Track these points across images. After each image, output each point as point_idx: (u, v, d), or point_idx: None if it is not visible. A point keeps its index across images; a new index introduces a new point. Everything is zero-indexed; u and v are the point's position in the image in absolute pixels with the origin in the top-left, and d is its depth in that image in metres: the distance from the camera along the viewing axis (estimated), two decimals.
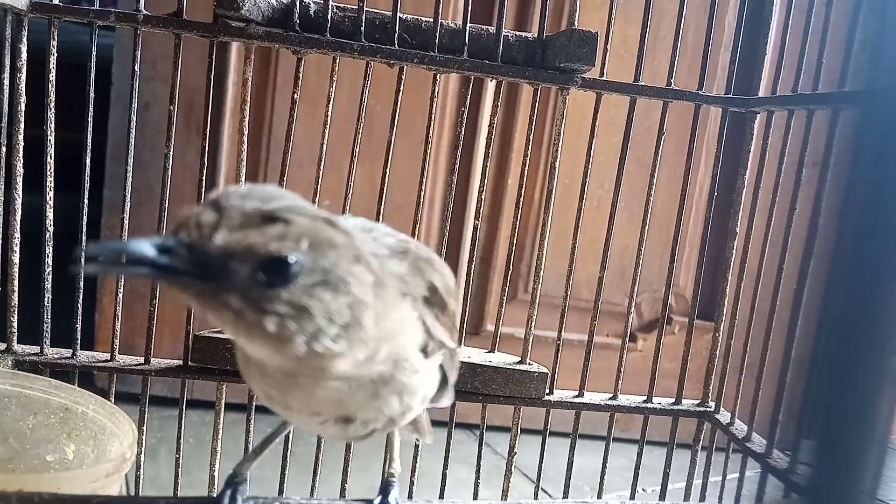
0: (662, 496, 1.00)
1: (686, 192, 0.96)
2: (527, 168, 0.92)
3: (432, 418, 0.93)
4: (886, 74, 0.28)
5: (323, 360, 0.47)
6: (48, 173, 0.83)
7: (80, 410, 0.75)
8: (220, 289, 0.44)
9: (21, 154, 0.82)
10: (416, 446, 0.92)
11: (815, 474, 0.30)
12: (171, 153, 0.86)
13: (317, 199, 0.89)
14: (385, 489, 0.62)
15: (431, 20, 0.87)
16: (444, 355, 0.58)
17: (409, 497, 0.92)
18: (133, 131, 0.84)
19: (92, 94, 0.83)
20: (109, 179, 1.46)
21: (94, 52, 0.83)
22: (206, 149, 0.86)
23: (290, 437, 0.90)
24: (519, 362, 0.94)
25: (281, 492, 0.90)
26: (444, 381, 0.61)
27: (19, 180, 0.83)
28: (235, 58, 1.46)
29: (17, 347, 0.85)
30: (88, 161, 0.84)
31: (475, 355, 0.94)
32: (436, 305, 0.55)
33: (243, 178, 0.88)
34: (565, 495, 0.98)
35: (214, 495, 0.61)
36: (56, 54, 0.82)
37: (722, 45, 1.50)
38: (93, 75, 0.83)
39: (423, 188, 0.91)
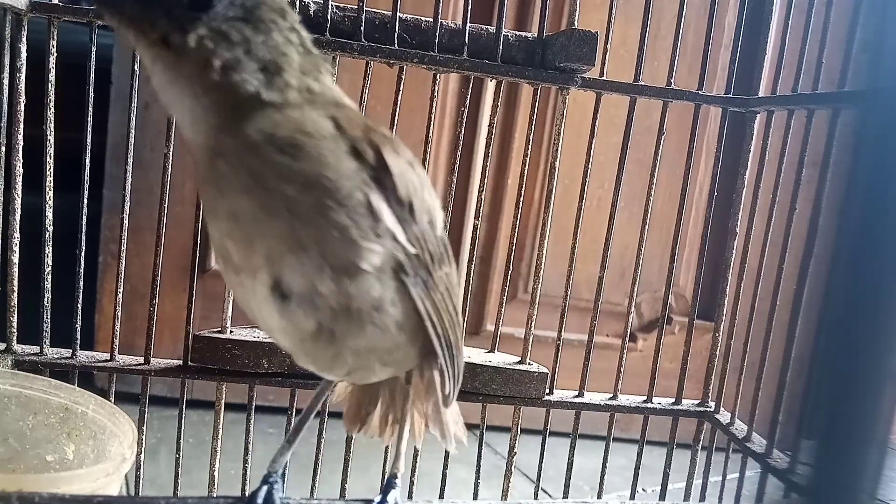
0: (662, 496, 1.00)
1: (686, 192, 0.96)
2: (527, 168, 0.92)
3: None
4: (886, 74, 0.28)
5: (241, 100, 0.48)
6: (48, 173, 0.83)
7: (80, 410, 0.75)
8: (148, 9, 0.47)
9: (21, 154, 0.82)
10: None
11: (815, 474, 0.30)
12: (171, 153, 0.86)
13: None
14: (386, 489, 0.61)
15: (431, 20, 0.87)
16: (411, 275, 0.52)
17: (409, 497, 0.92)
18: (133, 131, 0.84)
19: (92, 94, 0.83)
20: (109, 179, 1.46)
21: (93, 52, 0.83)
22: None
23: None
24: (519, 362, 0.94)
25: (283, 492, 0.90)
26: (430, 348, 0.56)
27: (19, 180, 0.83)
28: None
29: (16, 347, 0.85)
30: (88, 161, 0.84)
31: (475, 355, 0.94)
32: (387, 188, 0.50)
33: None
34: (565, 495, 0.98)
35: (246, 494, 0.60)
36: (56, 54, 0.82)
37: (722, 45, 1.50)
38: (92, 75, 0.83)
39: None
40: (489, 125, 0.91)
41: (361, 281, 0.50)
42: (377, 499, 0.60)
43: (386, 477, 0.63)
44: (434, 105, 0.89)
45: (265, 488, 0.58)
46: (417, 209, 0.53)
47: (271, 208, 0.48)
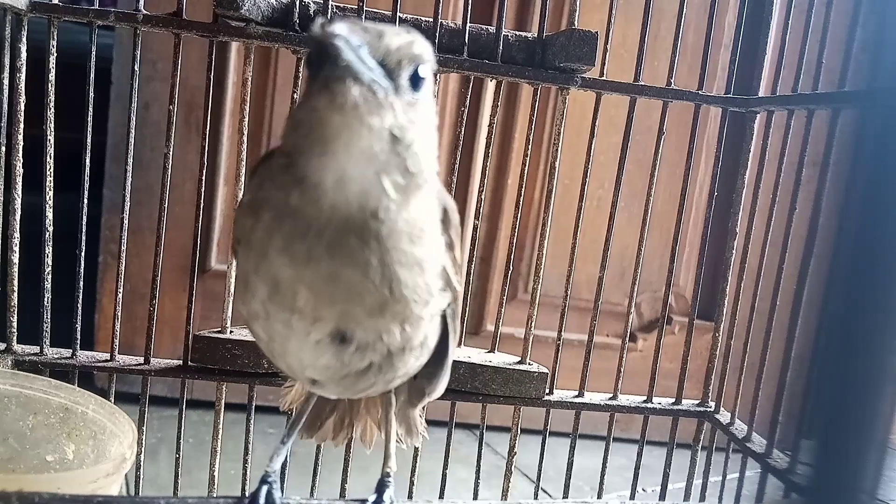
0: (662, 496, 1.00)
1: (686, 192, 0.96)
2: (527, 168, 0.92)
3: (430, 417, 0.93)
4: (886, 74, 0.28)
5: (406, 180, 0.48)
6: (48, 173, 0.83)
7: (80, 410, 0.75)
8: (382, 87, 0.46)
9: (21, 154, 0.82)
10: (416, 446, 0.92)
11: (815, 474, 0.30)
12: (171, 153, 0.86)
13: None
14: (380, 488, 0.61)
15: (431, 20, 0.87)
16: (448, 308, 0.57)
17: (409, 497, 0.92)
18: (133, 131, 0.84)
19: (92, 94, 0.83)
20: (109, 179, 1.46)
21: (93, 52, 0.83)
22: (206, 149, 0.86)
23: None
24: (519, 362, 0.94)
25: (281, 492, 0.90)
26: (440, 358, 0.60)
27: (19, 180, 0.83)
28: (235, 57, 1.46)
29: (16, 347, 0.85)
30: (88, 161, 0.84)
31: (475, 355, 0.94)
32: (446, 231, 0.54)
33: (243, 178, 0.88)
34: (565, 495, 0.98)
35: (246, 494, 0.60)
36: (56, 54, 0.82)
37: (722, 45, 1.50)
38: (92, 75, 0.83)
39: None
40: (489, 125, 0.91)
41: (420, 326, 0.53)
42: (372, 498, 0.60)
43: (379, 476, 0.63)
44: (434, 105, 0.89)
45: (265, 488, 0.58)
46: (457, 247, 0.56)
47: (375, 285, 0.49)
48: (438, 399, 0.91)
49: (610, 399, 0.98)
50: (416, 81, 0.48)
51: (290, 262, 0.49)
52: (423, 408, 0.70)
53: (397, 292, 0.50)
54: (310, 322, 0.50)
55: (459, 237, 0.57)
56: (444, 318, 0.57)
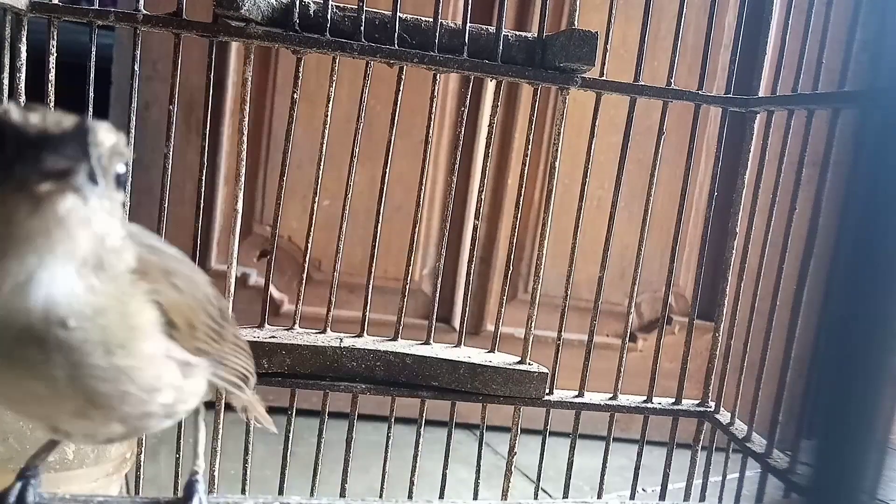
0: (662, 496, 1.00)
1: (686, 192, 0.96)
2: (527, 168, 0.92)
3: (430, 417, 0.93)
4: (886, 74, 0.28)
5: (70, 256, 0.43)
6: None
7: None
8: (95, 194, 0.42)
9: None
10: (417, 445, 0.92)
11: (815, 474, 0.30)
12: (171, 153, 0.86)
13: (317, 198, 0.90)
14: (188, 489, 0.58)
15: (431, 20, 0.87)
16: (208, 370, 0.53)
17: (410, 497, 0.92)
18: (133, 131, 0.84)
19: (92, 94, 0.83)
20: None
21: (93, 52, 0.83)
22: (206, 149, 0.86)
23: (291, 437, 0.90)
24: (519, 362, 0.94)
25: (281, 492, 0.90)
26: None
27: None
28: (235, 58, 1.46)
29: None
30: None
31: (475, 355, 0.94)
32: (169, 321, 0.49)
33: (243, 179, 0.88)
34: (565, 495, 0.98)
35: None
36: (56, 54, 0.82)
37: (722, 45, 1.50)
38: (92, 75, 0.83)
39: (423, 188, 0.91)
40: (489, 125, 0.91)
41: (150, 417, 0.50)
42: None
43: (187, 479, 0.60)
44: (434, 105, 0.89)
45: (19, 484, 0.54)
46: (196, 319, 0.52)
47: (69, 397, 0.45)
48: (439, 399, 0.91)
49: (610, 399, 0.98)
50: (119, 178, 0.45)
51: None
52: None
53: (99, 402, 0.46)
54: (25, 416, 0.50)
55: (201, 309, 0.52)
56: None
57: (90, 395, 0.45)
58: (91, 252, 0.43)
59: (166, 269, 0.50)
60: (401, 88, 0.88)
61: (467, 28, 0.87)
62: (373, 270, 0.91)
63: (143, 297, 0.47)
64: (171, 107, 0.85)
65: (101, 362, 0.45)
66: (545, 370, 0.94)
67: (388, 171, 0.90)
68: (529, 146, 0.91)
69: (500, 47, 0.88)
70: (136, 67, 0.84)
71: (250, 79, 0.87)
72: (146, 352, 0.47)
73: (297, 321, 0.92)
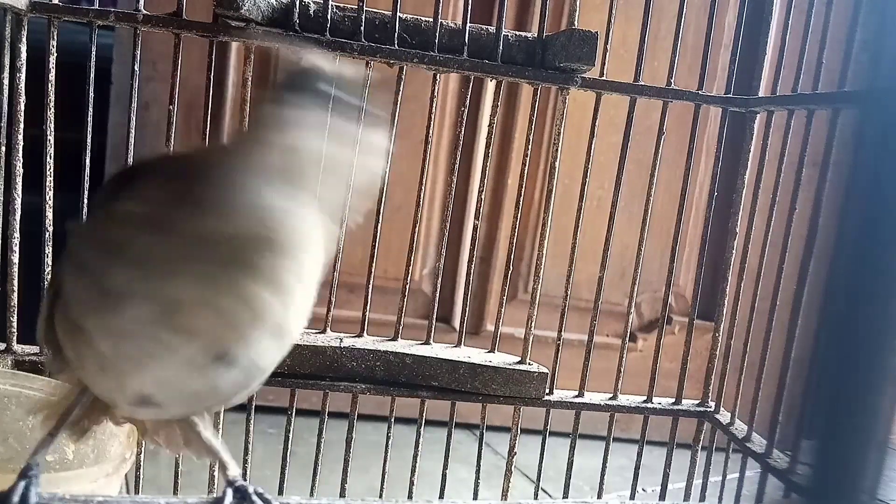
0: (662, 496, 1.00)
1: (686, 192, 0.96)
2: (527, 168, 0.92)
3: (430, 417, 0.93)
4: (886, 74, 0.28)
5: None
6: (48, 173, 0.83)
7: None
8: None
9: (21, 154, 0.82)
10: (417, 445, 0.92)
11: (815, 474, 0.30)
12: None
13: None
14: (241, 494, 0.56)
15: (431, 20, 0.87)
16: None
17: (409, 497, 0.92)
18: (133, 131, 0.84)
19: (92, 94, 0.83)
20: None
21: (93, 52, 0.83)
22: None
23: (290, 437, 0.90)
24: (519, 362, 0.94)
25: (281, 492, 0.90)
26: None
27: (19, 180, 0.83)
28: (235, 57, 1.46)
29: (16, 347, 0.85)
30: (88, 161, 0.84)
31: (475, 355, 0.94)
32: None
33: None
34: (565, 495, 0.98)
35: (215, 495, 0.57)
36: (56, 54, 0.82)
37: (722, 45, 1.50)
38: (92, 75, 0.83)
39: (423, 188, 0.91)
40: (489, 125, 0.91)
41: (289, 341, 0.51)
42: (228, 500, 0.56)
43: (228, 487, 0.57)
44: (434, 105, 0.89)
45: (22, 484, 0.53)
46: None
47: (285, 308, 0.48)
48: (439, 399, 0.91)
49: (610, 399, 0.98)
50: None
51: (194, 281, 0.47)
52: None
53: (300, 315, 0.50)
54: (191, 342, 0.48)
55: None
56: None
57: (301, 305, 0.49)
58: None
59: None
60: (401, 88, 0.88)
61: (467, 28, 0.87)
62: (373, 270, 0.91)
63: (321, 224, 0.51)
64: (171, 107, 0.85)
65: (313, 273, 0.49)
66: (545, 370, 0.94)
67: (387, 171, 0.90)
68: (529, 146, 0.91)
69: (500, 47, 0.88)
70: (136, 67, 0.84)
71: (250, 79, 0.87)
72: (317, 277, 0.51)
73: None
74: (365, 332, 0.92)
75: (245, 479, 0.57)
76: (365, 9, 0.85)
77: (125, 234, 0.48)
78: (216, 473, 0.90)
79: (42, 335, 0.56)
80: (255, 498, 0.55)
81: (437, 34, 0.87)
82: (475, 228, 0.94)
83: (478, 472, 0.96)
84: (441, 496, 0.95)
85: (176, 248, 0.47)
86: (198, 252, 0.46)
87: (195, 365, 0.49)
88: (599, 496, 0.99)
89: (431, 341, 0.94)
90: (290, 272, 0.48)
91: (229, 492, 0.56)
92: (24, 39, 0.81)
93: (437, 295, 0.94)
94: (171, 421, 0.61)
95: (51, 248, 0.84)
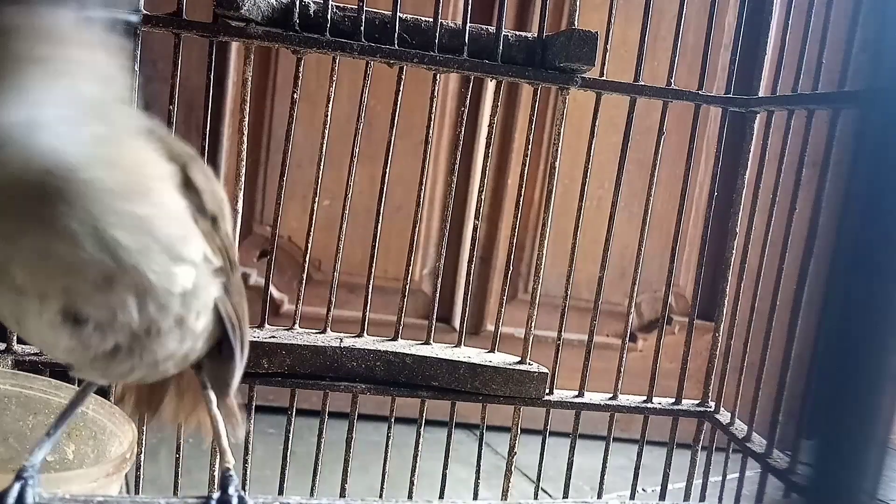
0: (662, 496, 1.00)
1: (686, 192, 0.96)
2: (527, 168, 0.92)
3: (430, 417, 0.93)
4: (886, 74, 0.28)
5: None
6: None
7: (80, 410, 0.75)
8: None
9: None
10: (417, 445, 0.92)
11: (815, 474, 0.30)
12: None
13: (316, 198, 0.90)
14: (223, 484, 0.56)
15: (431, 20, 0.87)
16: (219, 287, 0.52)
17: (409, 497, 0.92)
18: None
19: None
20: None
21: None
22: (206, 149, 0.86)
23: (290, 437, 0.90)
24: (519, 362, 0.94)
25: (281, 492, 0.90)
26: (225, 340, 0.56)
27: None
28: (235, 58, 1.46)
29: (17, 347, 0.85)
30: None
31: (475, 355, 0.94)
32: (190, 194, 0.49)
33: (243, 179, 0.88)
34: (565, 495, 0.98)
35: (246, 494, 0.56)
36: None
37: (722, 45, 1.50)
38: None
39: (423, 188, 0.91)
40: (489, 125, 0.91)
41: (169, 304, 0.48)
42: (216, 495, 0.56)
43: (218, 474, 0.58)
44: (434, 105, 0.89)
45: (18, 486, 0.52)
46: (220, 217, 0.52)
47: (94, 256, 0.44)
48: (438, 399, 0.91)
49: (610, 399, 0.98)
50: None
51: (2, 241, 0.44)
52: (238, 398, 0.65)
53: (122, 258, 0.44)
54: (36, 300, 0.46)
55: (221, 207, 0.52)
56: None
57: (112, 247, 0.44)
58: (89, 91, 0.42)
59: (189, 152, 0.50)
60: (401, 88, 0.88)
61: (467, 28, 0.87)
62: (373, 270, 0.91)
63: (160, 154, 0.46)
64: (171, 107, 0.85)
65: (121, 208, 0.43)
66: (545, 370, 0.94)
67: (388, 171, 0.90)
68: (529, 146, 0.91)
69: (500, 47, 0.88)
70: (136, 67, 0.84)
71: (250, 79, 0.87)
72: (166, 203, 0.46)
73: (297, 321, 0.92)
74: (365, 332, 0.92)
75: (231, 473, 0.57)
76: (365, 9, 0.85)
77: None
78: (216, 474, 0.90)
79: None
80: (232, 493, 0.55)
81: (437, 34, 0.87)
82: (475, 228, 0.94)
83: (478, 472, 0.96)
84: (441, 496, 0.95)
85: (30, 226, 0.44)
86: None
87: (56, 326, 0.47)
88: (599, 496, 0.99)
89: (431, 341, 0.94)
90: (87, 216, 0.43)
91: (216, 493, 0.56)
92: None
93: (437, 295, 0.94)
94: (185, 395, 0.64)
95: None
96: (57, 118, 0.41)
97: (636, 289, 0.96)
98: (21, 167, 0.41)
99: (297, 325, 0.92)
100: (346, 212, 0.90)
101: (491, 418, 0.95)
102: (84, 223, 0.43)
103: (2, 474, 0.58)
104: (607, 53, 0.91)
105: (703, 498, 0.98)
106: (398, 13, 0.86)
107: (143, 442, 0.87)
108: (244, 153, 0.87)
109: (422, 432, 0.93)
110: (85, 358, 0.50)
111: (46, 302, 0.46)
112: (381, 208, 0.90)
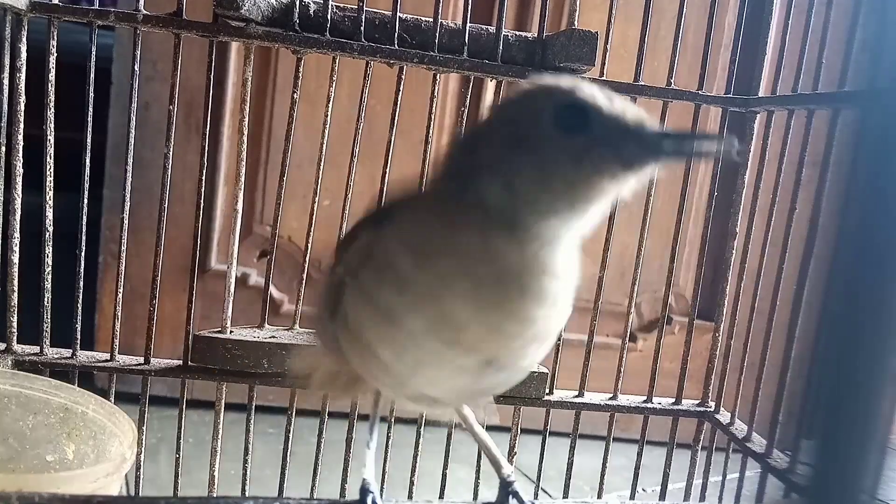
0: (662, 496, 1.00)
1: (686, 192, 0.96)
2: None
3: (430, 417, 0.93)
4: (886, 74, 0.28)
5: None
6: (48, 173, 0.83)
7: (80, 410, 0.75)
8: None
9: (21, 154, 0.82)
10: (417, 446, 0.92)
11: (815, 474, 0.30)
12: (171, 153, 0.86)
13: (316, 198, 0.90)
14: (513, 494, 0.62)
15: (431, 20, 0.87)
16: None
17: (409, 497, 0.92)
18: (133, 131, 0.84)
19: (92, 94, 0.83)
20: (109, 179, 1.45)
21: (93, 52, 0.83)
22: (206, 149, 0.86)
23: (290, 437, 0.90)
24: None
25: (281, 492, 0.90)
26: None
27: (19, 180, 0.83)
28: (235, 58, 1.46)
29: (16, 347, 0.85)
30: (88, 161, 0.84)
31: None
32: None
33: (243, 179, 0.88)
34: (565, 495, 0.98)
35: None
36: (56, 54, 0.82)
37: (722, 45, 1.50)
38: (92, 75, 0.83)
39: (424, 188, 0.91)
40: None
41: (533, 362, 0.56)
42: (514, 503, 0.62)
43: (499, 486, 0.64)
44: (434, 105, 0.89)
45: (371, 497, 0.60)
46: None
47: (538, 335, 0.52)
48: None
49: (610, 399, 0.98)
50: None
51: (474, 306, 0.49)
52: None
53: (552, 332, 0.53)
54: (465, 353, 0.51)
55: None
56: None
57: (550, 325, 0.52)
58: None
59: None
60: (401, 88, 0.88)
61: (467, 28, 0.87)
62: None
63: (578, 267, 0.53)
64: (171, 107, 0.85)
65: (564, 305, 0.52)
66: (545, 370, 0.94)
67: (388, 171, 0.90)
68: None
69: (500, 47, 0.88)
70: (136, 67, 0.84)
71: (250, 79, 0.87)
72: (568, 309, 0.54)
73: (297, 321, 0.92)
74: None
75: (512, 481, 0.63)
76: (365, 9, 0.85)
77: (397, 262, 0.51)
78: (216, 474, 0.90)
79: (321, 332, 0.61)
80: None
81: (437, 34, 0.87)
82: None
83: (478, 472, 0.96)
84: (441, 496, 0.95)
85: (441, 278, 0.50)
86: (463, 277, 0.49)
87: (466, 370, 0.52)
88: (599, 496, 0.99)
89: None
90: (552, 290, 0.50)
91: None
92: (24, 39, 0.81)
93: None
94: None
95: (51, 248, 0.84)
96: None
97: (636, 289, 0.96)
98: (531, 256, 0.49)
99: (297, 325, 0.92)
100: (346, 212, 0.90)
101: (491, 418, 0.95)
102: (546, 319, 0.51)
103: (2, 474, 0.58)
104: (607, 53, 0.91)
105: (703, 498, 0.98)
106: (398, 13, 0.86)
107: (143, 442, 0.87)
108: (244, 153, 0.87)
109: (422, 432, 0.93)
110: (466, 392, 0.56)
111: (473, 355, 0.51)
112: None
